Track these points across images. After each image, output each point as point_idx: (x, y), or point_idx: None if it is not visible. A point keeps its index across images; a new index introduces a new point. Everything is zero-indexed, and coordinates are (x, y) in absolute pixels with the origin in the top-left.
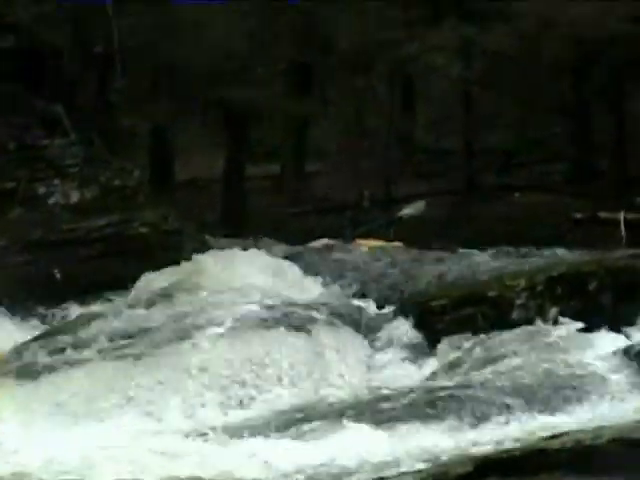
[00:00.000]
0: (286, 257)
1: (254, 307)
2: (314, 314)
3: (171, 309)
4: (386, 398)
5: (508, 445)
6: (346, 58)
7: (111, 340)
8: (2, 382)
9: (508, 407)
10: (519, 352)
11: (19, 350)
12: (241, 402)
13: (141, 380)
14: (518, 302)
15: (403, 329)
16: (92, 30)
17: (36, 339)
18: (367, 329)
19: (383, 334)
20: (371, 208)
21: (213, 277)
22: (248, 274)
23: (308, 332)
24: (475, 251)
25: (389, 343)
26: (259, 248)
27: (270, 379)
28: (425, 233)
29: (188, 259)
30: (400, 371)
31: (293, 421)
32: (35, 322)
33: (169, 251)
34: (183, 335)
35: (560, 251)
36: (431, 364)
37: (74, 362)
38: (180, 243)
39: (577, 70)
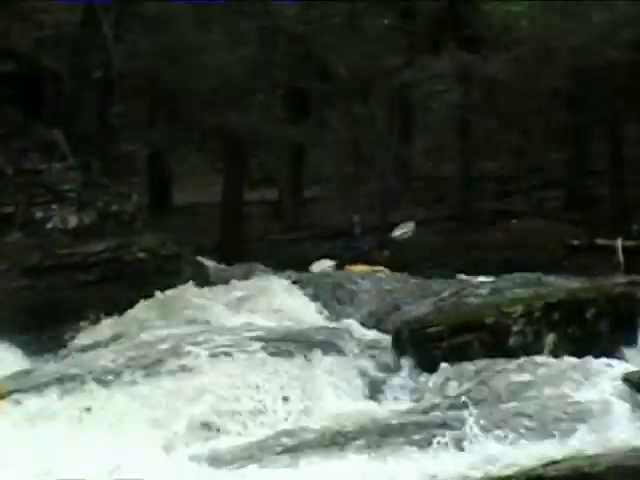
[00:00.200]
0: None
1: (251, 332)
2: (310, 339)
3: (168, 334)
4: (382, 424)
5: (505, 472)
6: (345, 84)
7: (108, 365)
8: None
9: (505, 434)
10: (516, 379)
11: (19, 376)
12: (234, 428)
13: (137, 405)
14: (515, 329)
15: (399, 355)
16: (91, 55)
17: (36, 364)
18: (364, 355)
19: (380, 360)
20: (362, 234)
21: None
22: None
23: (304, 358)
24: (472, 277)
25: (386, 369)
26: (256, 273)
27: (263, 405)
28: (423, 259)
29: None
30: (396, 397)
31: (286, 448)
32: (34, 346)
33: (167, 276)
34: (180, 361)
35: (557, 278)
36: (428, 390)
37: (71, 388)
38: (178, 268)
39: (575, 97)
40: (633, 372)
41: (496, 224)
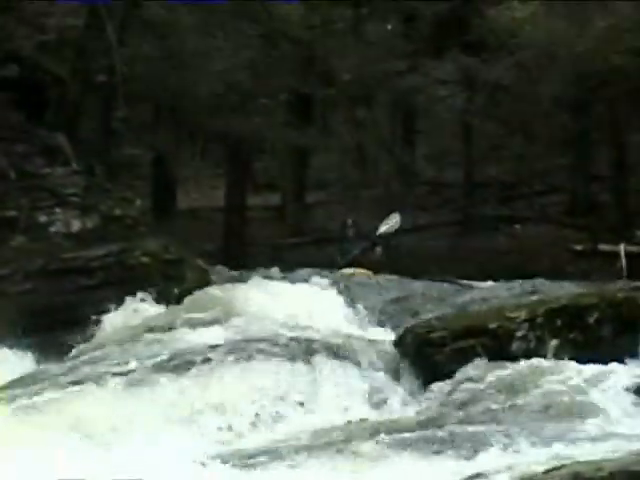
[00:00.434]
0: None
1: (256, 335)
2: (313, 343)
3: (175, 336)
4: (383, 431)
5: (506, 478)
6: (348, 89)
7: (113, 367)
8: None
9: (507, 440)
10: (518, 384)
11: (22, 379)
12: (236, 432)
13: (141, 407)
14: (518, 334)
15: (402, 360)
16: (95, 59)
17: (39, 368)
18: (365, 360)
19: (382, 366)
20: (356, 237)
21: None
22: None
23: (307, 362)
24: (475, 282)
25: (387, 374)
26: (260, 277)
27: (266, 409)
28: (425, 264)
29: (189, 288)
30: (398, 403)
31: (287, 453)
32: (37, 350)
33: (170, 280)
34: (185, 363)
35: (560, 283)
36: (429, 396)
37: (77, 390)
38: (181, 272)
39: (578, 103)
40: (636, 377)
41: (499, 229)
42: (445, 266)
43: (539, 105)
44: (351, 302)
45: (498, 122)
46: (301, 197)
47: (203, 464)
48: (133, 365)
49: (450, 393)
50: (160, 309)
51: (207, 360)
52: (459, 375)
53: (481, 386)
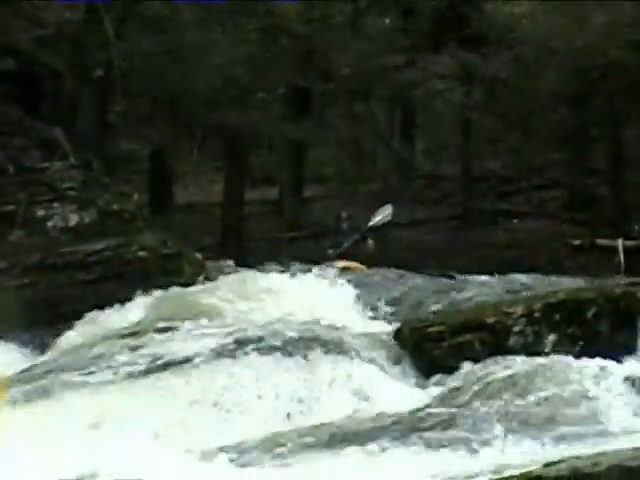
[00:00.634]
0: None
1: (251, 330)
2: (309, 338)
3: (173, 330)
4: (381, 425)
5: (505, 473)
6: (346, 84)
7: (113, 362)
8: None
9: (505, 435)
10: (516, 379)
11: (22, 374)
12: (235, 429)
13: (142, 402)
14: (516, 329)
15: (400, 355)
16: (92, 53)
17: (38, 362)
18: (363, 355)
19: (379, 360)
20: (349, 231)
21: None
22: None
23: (303, 357)
24: (473, 277)
25: (385, 369)
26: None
27: (265, 405)
28: (423, 259)
29: (187, 283)
30: (396, 398)
31: (285, 448)
32: (34, 345)
33: (168, 275)
34: (186, 357)
35: (558, 278)
36: (428, 391)
37: (78, 385)
38: (179, 267)
39: (576, 97)
40: (634, 372)
41: (497, 224)
42: (443, 260)
43: (537, 100)
44: (349, 296)
45: (496, 117)
46: (299, 191)
47: (205, 461)
48: (131, 360)
49: (448, 388)
50: (157, 304)
51: (203, 356)
52: (457, 370)
53: (479, 381)
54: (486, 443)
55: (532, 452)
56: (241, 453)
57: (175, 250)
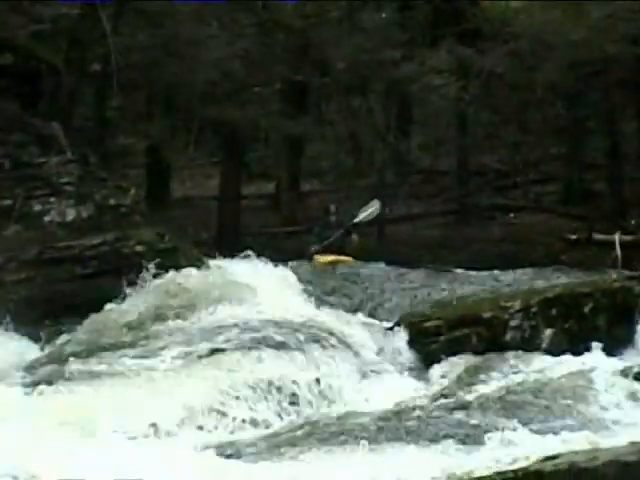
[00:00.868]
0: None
1: (249, 323)
2: (309, 332)
3: (165, 324)
4: (379, 419)
5: (502, 467)
6: (342, 78)
7: (107, 356)
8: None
9: (502, 429)
10: (513, 373)
11: (19, 368)
12: (233, 424)
13: (134, 396)
14: (513, 323)
15: (397, 349)
16: (89, 48)
17: (34, 357)
18: (361, 348)
19: (377, 354)
20: (337, 224)
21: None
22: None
23: (303, 351)
24: (470, 272)
25: (383, 363)
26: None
27: (266, 400)
28: (420, 253)
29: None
30: (394, 392)
31: (286, 442)
32: (31, 340)
33: (165, 269)
34: (181, 351)
35: (555, 273)
36: (425, 385)
37: (76, 378)
38: (176, 261)
39: (573, 91)
40: (631, 366)
41: (494, 218)
42: (440, 255)
43: (534, 94)
44: (345, 291)
45: (493, 111)
46: (295, 186)
47: (203, 455)
48: (128, 355)
49: (445, 382)
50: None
51: (206, 350)
52: (454, 364)
53: (476, 375)
54: (483, 437)
55: (530, 446)
56: (238, 448)
57: (172, 244)
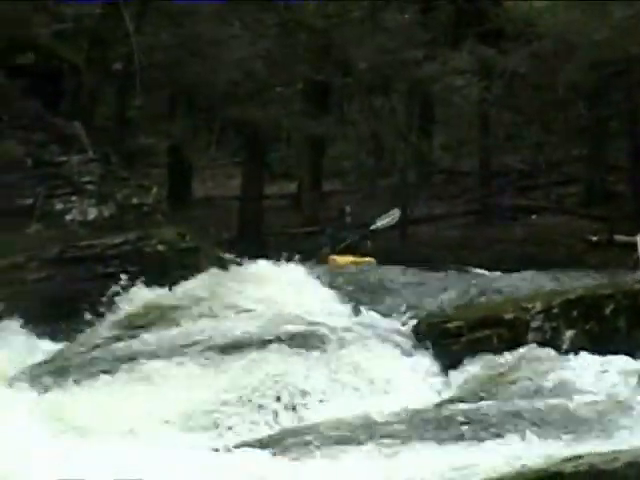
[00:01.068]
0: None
1: (269, 323)
2: (328, 332)
3: (185, 325)
4: (399, 419)
5: (522, 468)
6: (365, 78)
7: (125, 355)
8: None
9: (522, 430)
10: (534, 375)
11: (36, 367)
12: (253, 423)
13: (160, 395)
14: (534, 325)
15: (419, 351)
16: (111, 47)
17: (52, 356)
18: (381, 349)
19: (398, 355)
20: (353, 224)
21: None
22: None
23: (322, 350)
24: (491, 272)
25: (404, 364)
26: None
27: (283, 400)
28: (441, 254)
29: None
30: (414, 392)
31: (305, 441)
32: (52, 338)
33: (186, 269)
34: (196, 352)
35: (576, 274)
36: (446, 386)
37: (93, 378)
38: (197, 261)
39: (595, 92)
40: None
41: (516, 219)
42: (461, 255)
43: (556, 94)
44: (365, 291)
45: (515, 111)
46: (317, 186)
47: (221, 455)
48: (144, 354)
49: (466, 383)
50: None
51: (220, 350)
52: (475, 365)
53: (497, 376)
54: (504, 438)
55: (550, 448)
56: (256, 447)
57: (193, 244)
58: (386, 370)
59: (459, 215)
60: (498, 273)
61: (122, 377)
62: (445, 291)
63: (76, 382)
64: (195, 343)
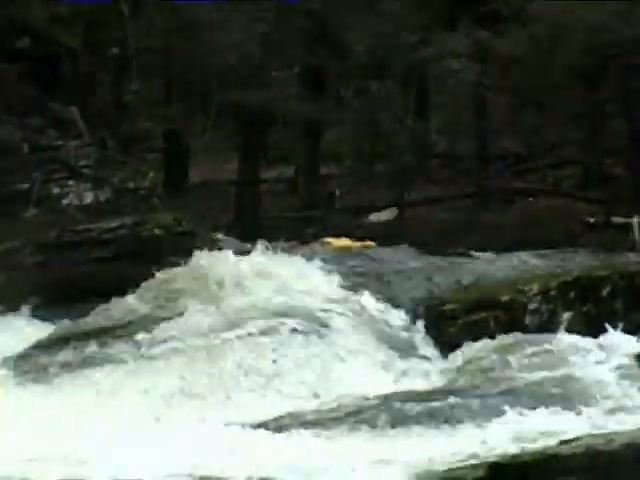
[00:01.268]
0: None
1: (271, 308)
2: (328, 317)
3: (184, 310)
4: (398, 402)
5: (520, 450)
6: (361, 61)
7: (128, 340)
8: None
9: (520, 412)
10: (531, 357)
11: (32, 351)
12: (258, 406)
13: (157, 380)
14: (531, 307)
15: (416, 333)
16: (107, 32)
17: (48, 340)
18: (380, 332)
19: (396, 338)
20: (342, 209)
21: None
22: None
23: (322, 335)
24: (488, 255)
25: (402, 347)
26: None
27: (286, 382)
28: (438, 237)
29: None
30: (412, 374)
31: (305, 423)
32: (48, 322)
33: (183, 253)
34: (199, 336)
35: (573, 256)
36: (443, 368)
37: (91, 362)
38: (194, 245)
39: (591, 74)
40: None
41: (512, 202)
42: (458, 239)
43: (552, 77)
44: (363, 275)
45: (511, 95)
46: (314, 170)
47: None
48: (145, 339)
49: (463, 365)
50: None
51: (222, 334)
52: (472, 347)
53: (494, 358)
54: (501, 420)
55: (547, 429)
56: (265, 426)
57: (190, 228)
58: (382, 352)
59: (456, 198)
60: (495, 255)
61: (122, 361)
62: (442, 274)
63: (73, 366)
64: (198, 327)
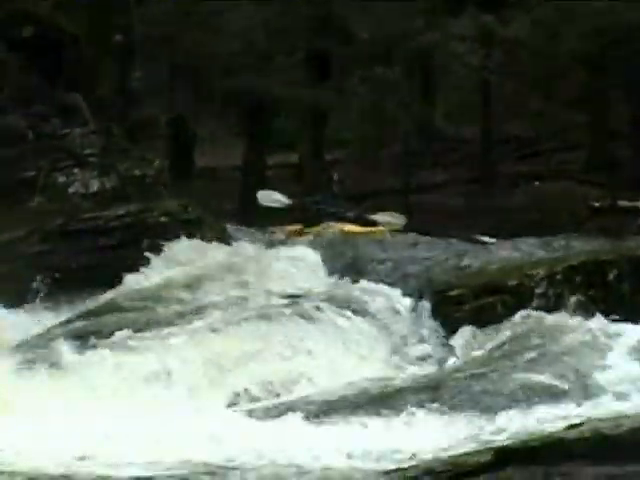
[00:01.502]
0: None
1: (271, 295)
2: (332, 303)
3: (189, 297)
4: (404, 388)
5: (527, 435)
6: (365, 47)
7: (133, 327)
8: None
9: (527, 397)
10: (538, 341)
11: (37, 338)
12: (261, 392)
13: (163, 366)
14: (538, 291)
15: (422, 318)
16: (111, 19)
17: (54, 327)
18: (386, 318)
19: (402, 323)
20: (338, 194)
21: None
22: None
23: (327, 322)
24: (494, 239)
25: (408, 332)
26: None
27: (291, 368)
28: (443, 222)
29: None
30: (419, 360)
31: (311, 410)
32: (54, 310)
33: (189, 240)
34: (202, 322)
35: (579, 240)
36: (450, 353)
37: (95, 350)
38: (200, 232)
39: (596, 58)
40: None
41: (518, 186)
42: (464, 223)
43: (557, 62)
44: (370, 260)
45: (516, 79)
46: (319, 156)
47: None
48: (149, 325)
49: (470, 350)
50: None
51: (228, 319)
52: (479, 332)
53: (500, 343)
54: (508, 405)
55: (554, 414)
56: (269, 411)
57: (196, 215)
58: (388, 339)
59: (461, 183)
60: (501, 240)
61: (128, 348)
62: (447, 259)
63: (80, 353)
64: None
